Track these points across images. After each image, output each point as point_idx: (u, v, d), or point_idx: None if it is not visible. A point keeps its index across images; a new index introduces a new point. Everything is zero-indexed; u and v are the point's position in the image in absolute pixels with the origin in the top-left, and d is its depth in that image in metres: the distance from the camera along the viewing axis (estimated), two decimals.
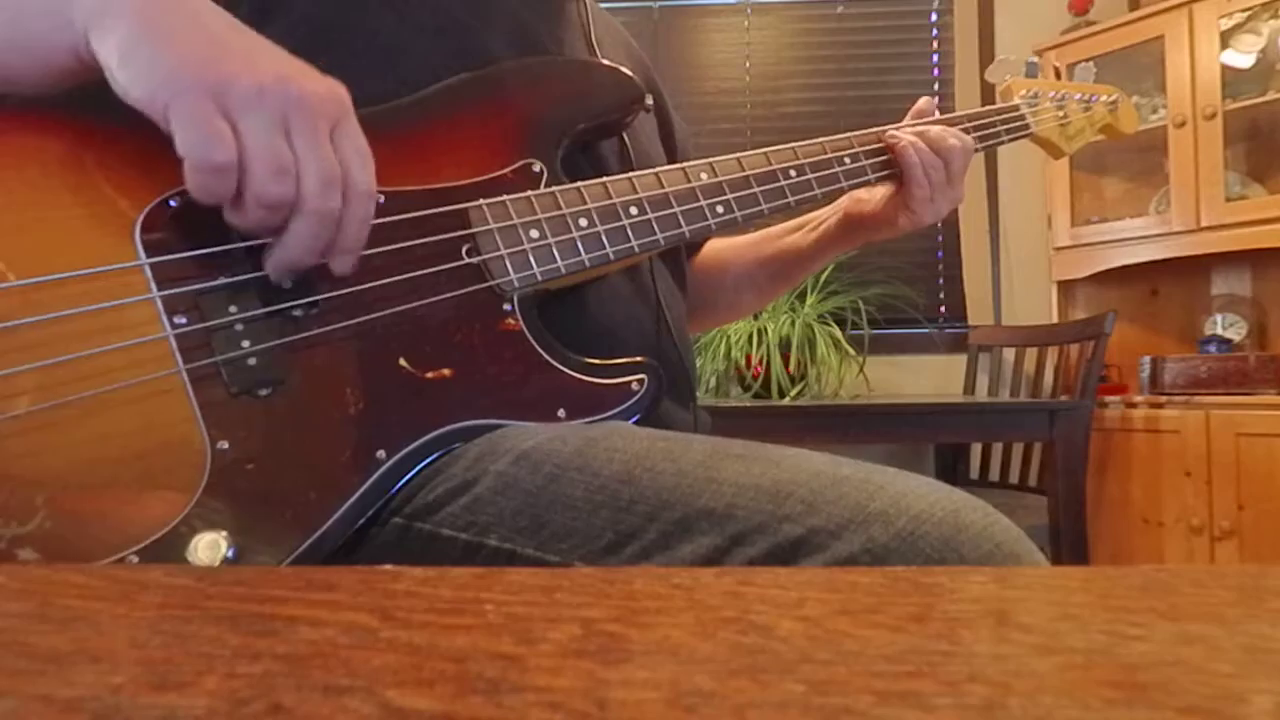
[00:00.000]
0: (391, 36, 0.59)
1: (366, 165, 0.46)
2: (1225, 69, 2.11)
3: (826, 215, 0.81)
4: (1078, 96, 0.91)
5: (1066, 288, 2.40)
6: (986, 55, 2.49)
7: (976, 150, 0.78)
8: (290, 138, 0.43)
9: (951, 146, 0.73)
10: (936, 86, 2.57)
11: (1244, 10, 2.08)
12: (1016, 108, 0.85)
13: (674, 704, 0.14)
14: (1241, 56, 2.18)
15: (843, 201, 0.79)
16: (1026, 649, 0.16)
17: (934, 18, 2.58)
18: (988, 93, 2.43)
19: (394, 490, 0.48)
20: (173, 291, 0.44)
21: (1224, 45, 2.12)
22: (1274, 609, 0.20)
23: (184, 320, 0.44)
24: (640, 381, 0.55)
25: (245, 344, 0.45)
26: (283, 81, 0.43)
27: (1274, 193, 2.19)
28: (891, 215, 0.75)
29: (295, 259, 0.45)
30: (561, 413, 0.53)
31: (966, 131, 0.77)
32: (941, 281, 2.54)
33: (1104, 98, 0.92)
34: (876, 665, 0.15)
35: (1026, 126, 0.85)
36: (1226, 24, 2.12)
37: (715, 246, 0.89)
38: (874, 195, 0.76)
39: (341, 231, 0.45)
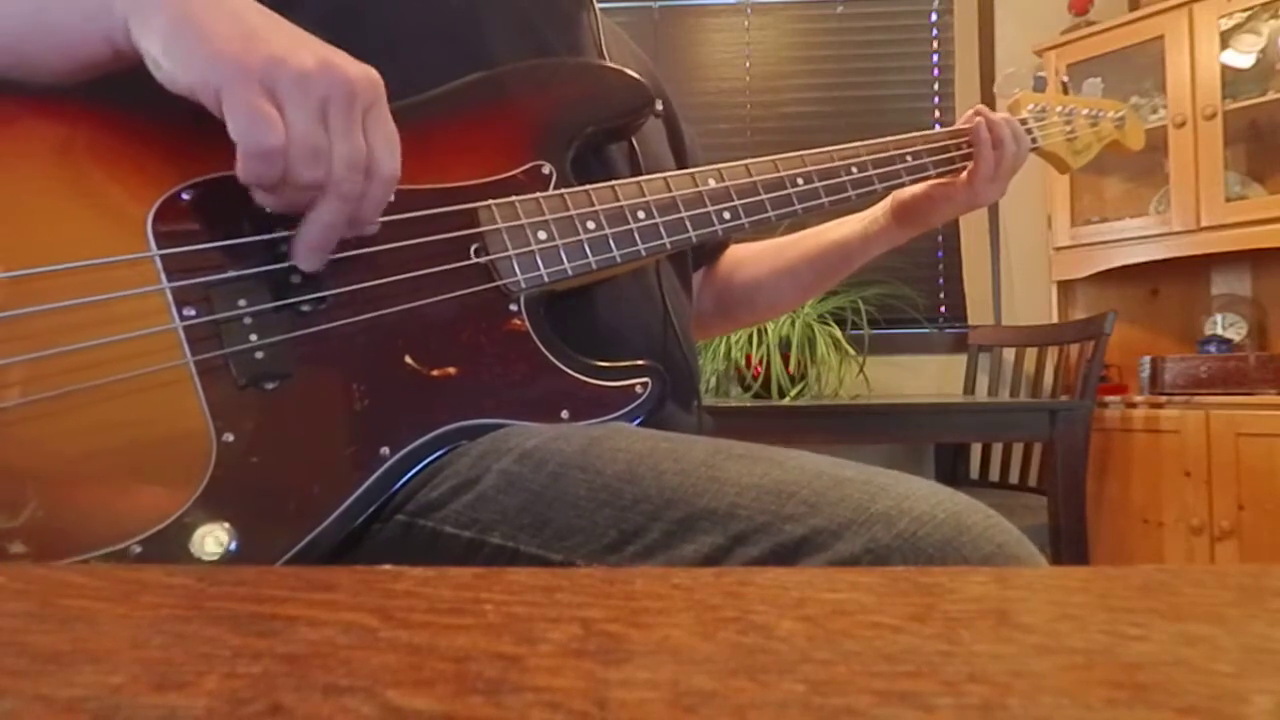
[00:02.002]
0: (401, 36, 0.59)
1: (394, 150, 0.47)
2: (1225, 69, 2.11)
3: (874, 209, 0.84)
4: (1085, 112, 0.91)
5: (1066, 288, 2.40)
6: (986, 55, 2.49)
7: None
8: (326, 121, 0.44)
9: (1020, 133, 0.80)
10: (936, 86, 2.57)
11: (1244, 10, 2.08)
12: (1024, 122, 0.85)
13: (674, 704, 0.14)
14: (1241, 56, 2.18)
15: (893, 194, 0.82)
16: (1026, 649, 0.16)
17: (934, 18, 2.57)
18: (988, 93, 2.43)
19: (397, 487, 0.48)
20: (183, 283, 0.45)
21: (1224, 45, 2.12)
22: (1274, 609, 0.20)
23: (193, 312, 0.45)
24: (644, 384, 0.55)
25: (253, 337, 0.46)
26: (325, 66, 0.44)
27: (1274, 193, 2.19)
28: (952, 192, 0.79)
29: (319, 239, 0.46)
30: (565, 414, 0.53)
31: (972, 144, 0.78)
32: (941, 281, 2.53)
33: (1111, 114, 0.92)
34: (876, 665, 0.15)
35: (1034, 140, 0.85)
36: (1226, 24, 2.12)
37: (756, 245, 0.90)
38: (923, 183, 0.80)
39: (359, 209, 0.46)
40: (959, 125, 0.80)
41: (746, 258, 0.89)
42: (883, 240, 0.84)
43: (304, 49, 0.44)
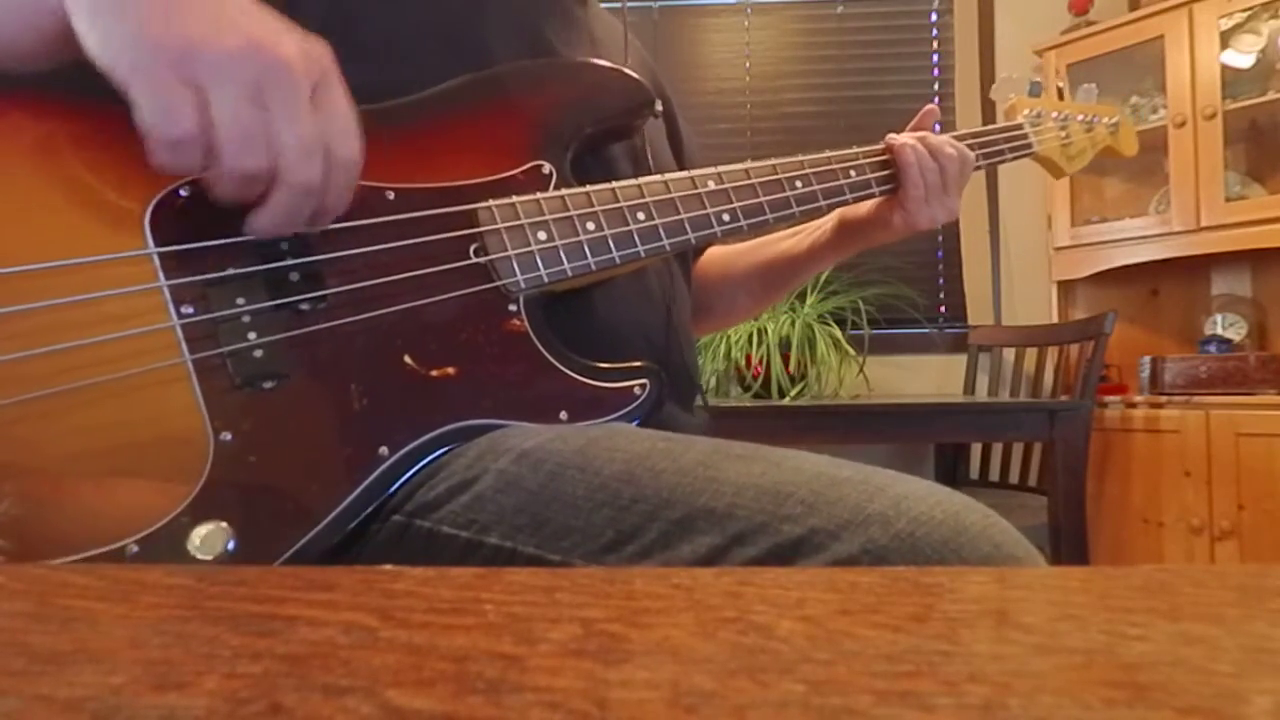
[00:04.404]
0: (395, 36, 0.59)
1: (349, 130, 0.44)
2: (1225, 69, 2.11)
3: (822, 221, 0.82)
4: (1080, 117, 0.91)
5: (1066, 288, 2.40)
6: (986, 55, 2.49)
7: (979, 167, 0.79)
8: (265, 106, 0.41)
9: (949, 153, 0.74)
10: (936, 86, 2.57)
11: (1244, 10, 2.08)
12: (1020, 127, 0.86)
13: (674, 704, 0.14)
14: (1241, 56, 2.18)
15: (839, 208, 0.79)
16: (1026, 649, 0.16)
17: (934, 18, 2.58)
18: (987, 93, 2.43)
19: (395, 486, 0.48)
20: (180, 281, 0.45)
21: (1224, 45, 2.12)
22: (1274, 609, 0.20)
23: (191, 310, 0.45)
24: (643, 386, 0.55)
25: (251, 336, 0.45)
26: (253, 47, 0.40)
27: (1274, 193, 2.19)
28: (887, 216, 0.75)
29: (275, 227, 0.44)
30: (564, 415, 0.53)
31: (970, 148, 0.77)
32: (941, 281, 2.54)
33: (1106, 119, 0.93)
34: (876, 665, 0.15)
35: (1029, 145, 0.86)
36: (1226, 24, 2.12)
37: (711, 252, 0.89)
38: (870, 200, 0.76)
39: (323, 199, 0.44)
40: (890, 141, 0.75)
41: (704, 265, 0.88)
42: (831, 255, 0.82)
43: (230, 28, 0.40)
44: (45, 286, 0.42)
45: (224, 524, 0.42)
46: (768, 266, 0.85)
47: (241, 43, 0.40)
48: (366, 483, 0.46)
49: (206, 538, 0.42)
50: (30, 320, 0.41)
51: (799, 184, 0.67)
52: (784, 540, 0.38)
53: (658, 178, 0.60)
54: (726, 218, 0.62)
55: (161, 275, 0.44)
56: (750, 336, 2.15)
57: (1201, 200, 2.10)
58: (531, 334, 0.53)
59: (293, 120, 0.41)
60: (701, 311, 0.87)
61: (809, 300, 2.26)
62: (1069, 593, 0.22)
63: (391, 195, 0.51)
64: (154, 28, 0.39)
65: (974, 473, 2.30)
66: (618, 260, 0.56)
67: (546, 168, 0.57)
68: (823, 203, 0.68)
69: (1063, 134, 0.89)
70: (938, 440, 2.29)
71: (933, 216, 0.74)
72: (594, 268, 0.55)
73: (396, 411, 0.48)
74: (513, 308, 0.53)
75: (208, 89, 0.40)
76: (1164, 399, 2.06)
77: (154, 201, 0.45)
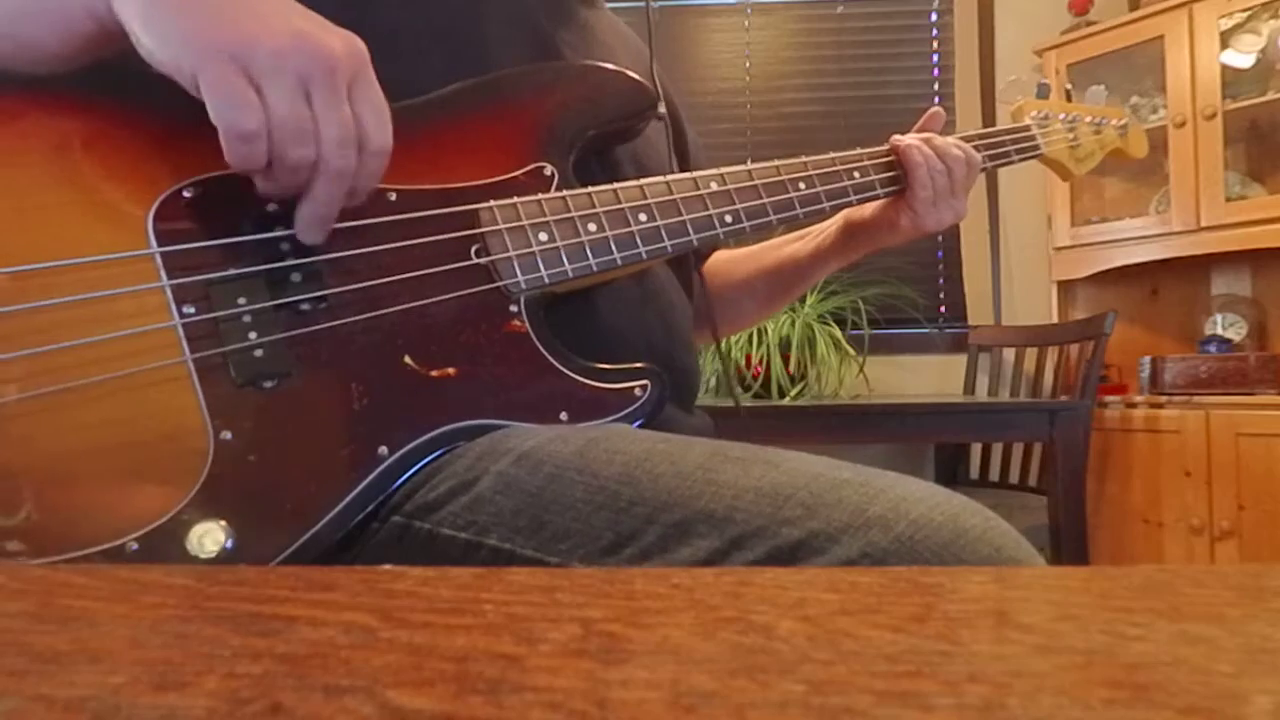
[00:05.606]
0: (403, 35, 0.59)
1: (383, 121, 0.46)
2: (1225, 69, 2.11)
3: (827, 225, 0.82)
4: (1088, 119, 0.91)
5: (1066, 288, 2.40)
6: (986, 55, 2.49)
7: (984, 169, 0.79)
8: (310, 98, 0.43)
9: (955, 155, 0.74)
10: (936, 86, 2.57)
11: (1244, 10, 2.08)
12: (1028, 128, 0.85)
13: (674, 704, 0.14)
14: (1241, 56, 2.18)
15: (844, 211, 0.79)
16: (1026, 649, 0.16)
17: (934, 18, 2.58)
18: (988, 93, 2.43)
19: (395, 487, 0.48)
20: (183, 281, 0.45)
21: (1224, 45, 2.12)
22: (1274, 609, 0.20)
23: (193, 310, 0.45)
24: (644, 387, 0.55)
25: (252, 335, 0.46)
26: (301, 40, 0.43)
27: (1274, 193, 2.19)
28: (894, 218, 0.75)
29: (323, 215, 0.46)
30: (564, 415, 0.53)
31: (977, 150, 0.77)
32: (941, 281, 2.53)
33: (1114, 121, 0.93)
34: (876, 665, 0.15)
35: (1037, 147, 0.85)
36: (1226, 24, 2.12)
37: (715, 258, 0.89)
38: (876, 202, 0.76)
39: (355, 184, 0.46)
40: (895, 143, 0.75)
41: (708, 271, 0.88)
42: (837, 259, 0.82)
43: (278, 24, 0.43)
44: (48, 285, 0.42)
45: (223, 522, 0.42)
46: (772, 271, 0.85)
47: (289, 38, 0.43)
48: (365, 482, 0.46)
49: (206, 536, 0.42)
50: (33, 319, 0.41)
51: (802, 185, 0.67)
52: (783, 543, 0.38)
53: (660, 179, 0.60)
54: (729, 219, 0.62)
55: (164, 275, 0.45)
56: (750, 336, 2.15)
57: (1201, 200, 2.10)
58: (532, 335, 0.53)
59: (334, 111, 0.44)
60: (707, 319, 0.87)
61: (809, 300, 2.26)
62: (1069, 593, 0.22)
63: (393, 196, 0.51)
64: (209, 26, 0.42)
65: (974, 473, 2.30)
66: (619, 261, 0.56)
67: (548, 169, 0.57)
68: (826, 204, 0.68)
69: (1070, 136, 0.89)
70: (937, 440, 2.29)
71: (940, 219, 0.74)
72: (595, 269, 0.55)
73: (396, 411, 0.48)
74: (514, 308, 0.53)
75: (263, 84, 0.42)
76: (1164, 399, 2.06)
77: (157, 202, 0.46)
